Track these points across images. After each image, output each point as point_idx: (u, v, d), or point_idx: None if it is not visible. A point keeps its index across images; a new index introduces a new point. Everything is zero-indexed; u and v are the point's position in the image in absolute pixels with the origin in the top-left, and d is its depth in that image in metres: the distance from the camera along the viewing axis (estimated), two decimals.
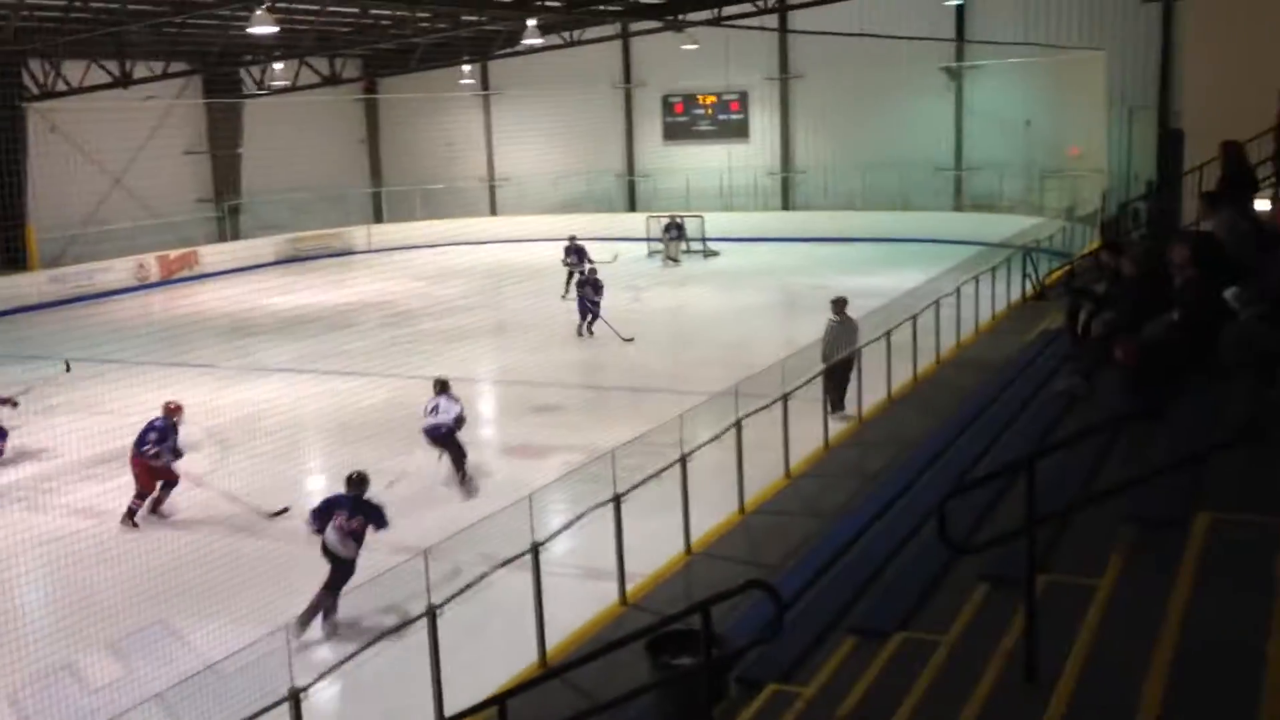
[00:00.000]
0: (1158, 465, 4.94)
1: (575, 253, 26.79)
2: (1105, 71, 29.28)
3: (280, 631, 7.64)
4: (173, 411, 13.90)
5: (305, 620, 9.85)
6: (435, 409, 14.68)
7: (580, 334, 22.41)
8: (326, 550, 10.48)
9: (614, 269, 27.17)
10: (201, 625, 10.51)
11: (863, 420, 13.92)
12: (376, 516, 10.59)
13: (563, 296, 25.89)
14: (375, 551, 11.89)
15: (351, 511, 10.48)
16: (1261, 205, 11.69)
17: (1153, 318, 8.80)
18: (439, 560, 8.70)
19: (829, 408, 14.09)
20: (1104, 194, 27.54)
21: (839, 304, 15.58)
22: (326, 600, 10.19)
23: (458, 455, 14.48)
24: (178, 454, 13.68)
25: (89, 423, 17.71)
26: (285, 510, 13.34)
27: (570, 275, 26.18)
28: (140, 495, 13.57)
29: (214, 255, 34.89)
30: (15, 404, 16.48)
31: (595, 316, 22.35)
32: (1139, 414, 6.83)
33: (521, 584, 8.69)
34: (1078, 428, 8.52)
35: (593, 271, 23.51)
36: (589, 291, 22.74)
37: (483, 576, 8.29)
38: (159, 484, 13.66)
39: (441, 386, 14.97)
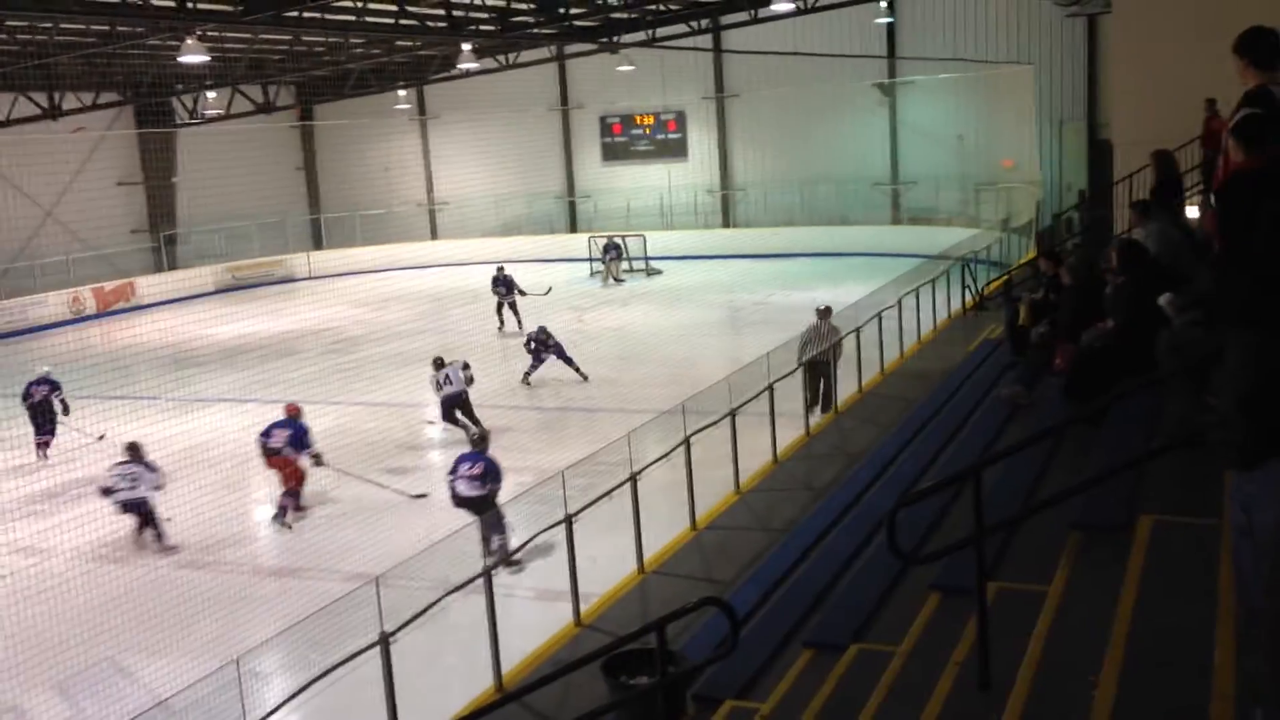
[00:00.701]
0: (1099, 471, 5.06)
1: (503, 283, 26.23)
2: (1034, 85, 29.87)
3: (230, 665, 7.55)
4: (296, 412, 14.94)
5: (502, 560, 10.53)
6: (447, 379, 17.23)
7: (526, 383, 20.71)
8: (458, 498, 12.20)
9: (553, 294, 27.21)
10: (151, 661, 10.36)
11: (810, 434, 14.04)
12: (494, 469, 12.32)
13: (498, 328, 25.79)
14: (327, 579, 11.83)
15: (475, 460, 12.34)
16: (1191, 212, 12.00)
17: (1091, 326, 9.01)
18: (390, 588, 8.65)
19: (808, 404, 15.01)
20: (1038, 204, 28.05)
21: (822, 312, 16.47)
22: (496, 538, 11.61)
23: (473, 415, 16.87)
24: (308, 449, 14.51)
25: (26, 459, 17.41)
26: (425, 495, 14.50)
27: (500, 305, 26.10)
28: (289, 493, 14.29)
29: (151, 286, 34.36)
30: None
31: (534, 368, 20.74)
32: (1079, 420, 6.98)
33: (475, 608, 8.66)
34: (1021, 436, 8.67)
35: (541, 330, 20.92)
36: (541, 349, 20.64)
37: (435, 602, 8.24)
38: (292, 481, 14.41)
39: (440, 362, 17.53)
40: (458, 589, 8.55)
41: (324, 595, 10.59)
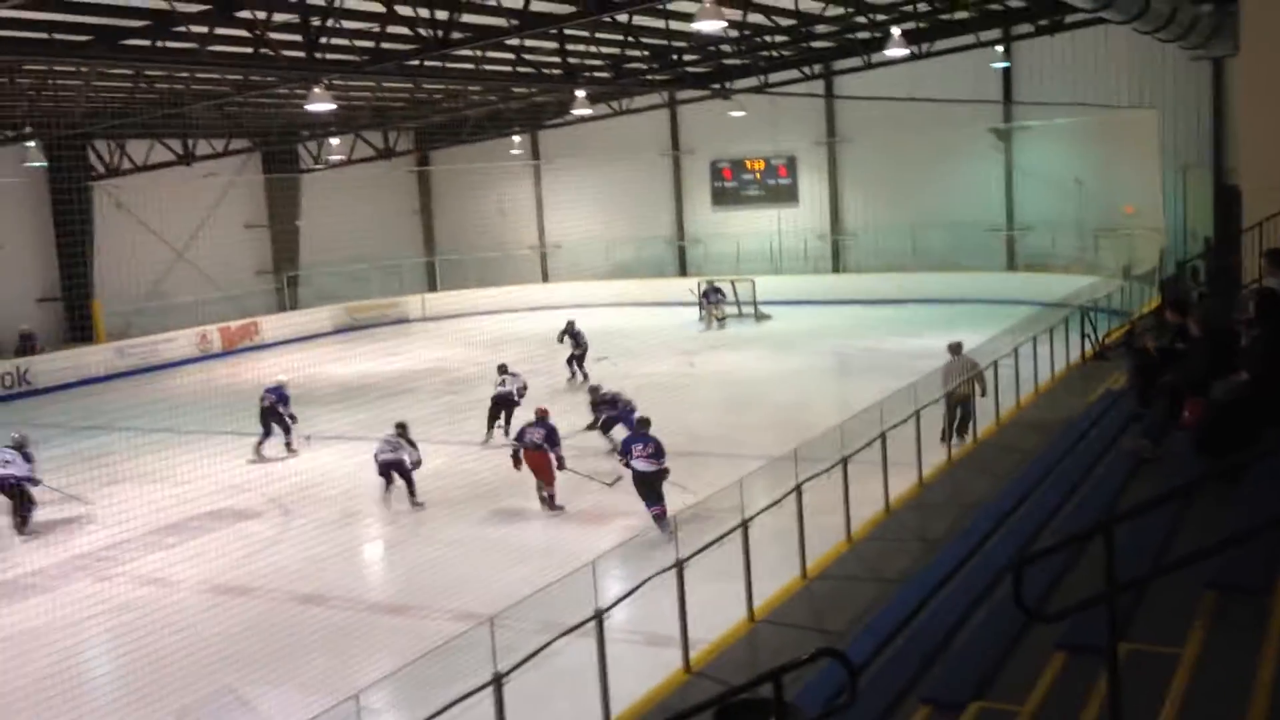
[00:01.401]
0: (1238, 530, 4.87)
1: (571, 335, 26.45)
2: (1157, 129, 29.17)
3: (346, 700, 7.67)
4: (545, 414, 16.85)
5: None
6: (503, 382, 20.41)
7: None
8: (638, 474, 14.58)
9: (663, 339, 27.32)
10: (269, 693, 10.59)
11: (923, 483, 13.80)
12: (661, 446, 14.61)
13: (568, 379, 25.51)
14: (436, 618, 11.97)
15: (645, 442, 14.65)
16: None
17: (1221, 377, 8.71)
18: (501, 628, 8.71)
19: (949, 437, 15.60)
20: (1161, 252, 27.30)
21: (954, 347, 17.54)
22: (654, 508, 14.33)
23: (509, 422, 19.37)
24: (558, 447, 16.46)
25: (155, 492, 18.01)
26: (618, 480, 16.16)
27: (570, 359, 26.01)
28: (549, 486, 16.32)
29: (274, 326, 35.51)
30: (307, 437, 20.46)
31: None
32: (1215, 477, 6.74)
33: (585, 652, 8.67)
34: (1147, 491, 8.41)
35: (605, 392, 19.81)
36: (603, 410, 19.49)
37: (547, 644, 8.27)
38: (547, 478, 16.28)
39: (503, 368, 20.64)
40: (569, 631, 8.57)
41: (434, 633, 10.72)
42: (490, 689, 7.72)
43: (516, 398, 20.27)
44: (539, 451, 16.21)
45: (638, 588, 9.58)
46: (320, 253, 37.30)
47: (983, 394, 16.56)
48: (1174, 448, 9.30)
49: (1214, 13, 23.99)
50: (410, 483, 16.84)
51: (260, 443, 20.27)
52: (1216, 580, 5.32)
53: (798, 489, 11.29)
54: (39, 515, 16.62)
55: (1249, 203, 17.36)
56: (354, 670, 10.73)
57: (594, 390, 20.19)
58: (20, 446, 16.79)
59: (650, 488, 14.50)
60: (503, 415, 20.26)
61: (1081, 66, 31.67)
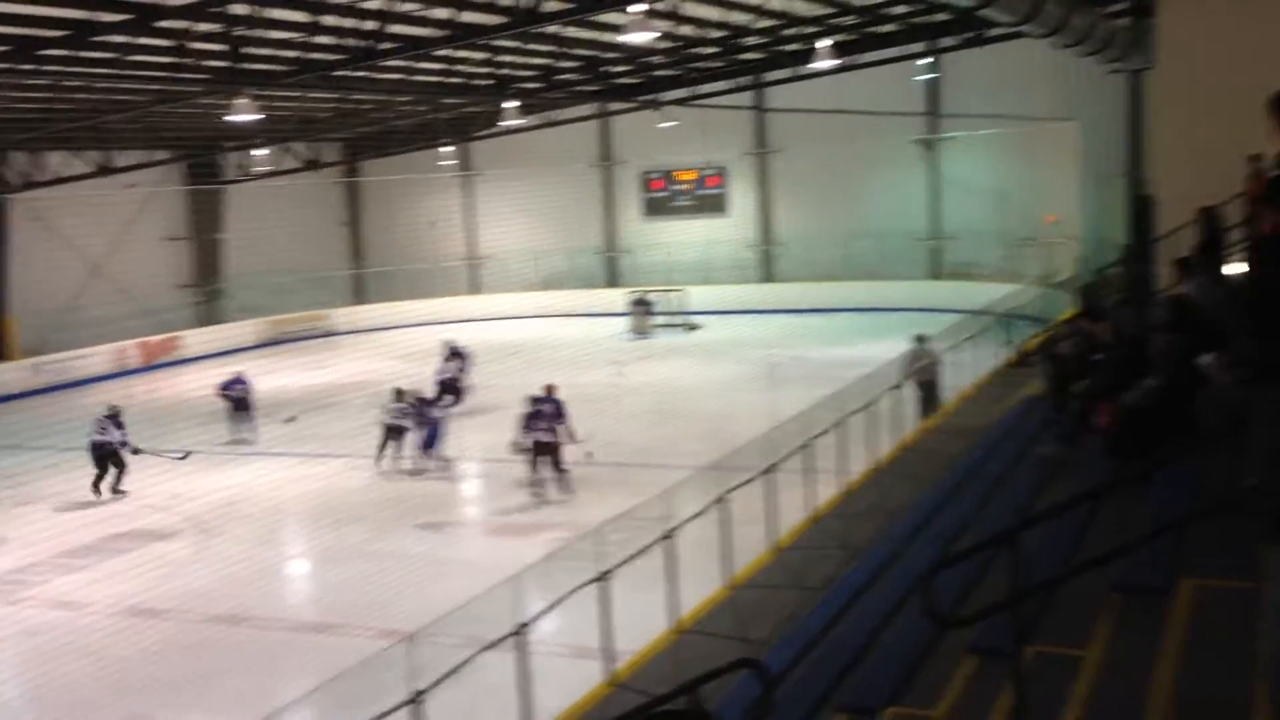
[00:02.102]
0: (1140, 534, 4.93)
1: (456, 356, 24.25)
2: (1077, 141, 29.75)
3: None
4: (553, 389, 18.01)
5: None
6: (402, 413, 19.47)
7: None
8: (539, 444, 16.62)
9: (593, 349, 27.24)
10: (182, 717, 10.34)
11: (848, 491, 13.88)
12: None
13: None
14: (359, 635, 11.79)
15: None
16: (1234, 270, 11.82)
17: (1133, 383, 8.86)
18: (423, 644, 8.59)
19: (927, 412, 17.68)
20: (1079, 260, 27.81)
21: (919, 338, 19.34)
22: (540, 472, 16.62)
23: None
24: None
25: (67, 513, 17.57)
26: (590, 454, 17.57)
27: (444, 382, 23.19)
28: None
29: (195, 340, 34.86)
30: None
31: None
32: (1122, 481, 6.83)
33: (510, 667, 8.57)
34: (1061, 497, 8.51)
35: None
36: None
37: (467, 660, 8.16)
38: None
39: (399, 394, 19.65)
40: (490, 646, 8.47)
41: (356, 651, 10.55)
42: (409, 707, 7.60)
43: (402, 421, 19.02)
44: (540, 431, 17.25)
45: (559, 601, 9.51)
46: (244, 265, 36.74)
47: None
48: (1087, 452, 9.44)
49: (1131, 27, 24.52)
50: (434, 447, 18.73)
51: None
52: (1121, 582, 5.38)
53: (722, 498, 11.29)
54: None
55: (1163, 212, 17.77)
56: (272, 692, 10.53)
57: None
58: (114, 415, 18.82)
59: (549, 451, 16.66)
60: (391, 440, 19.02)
61: (1004, 79, 32.18)
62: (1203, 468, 6.74)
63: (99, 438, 18.39)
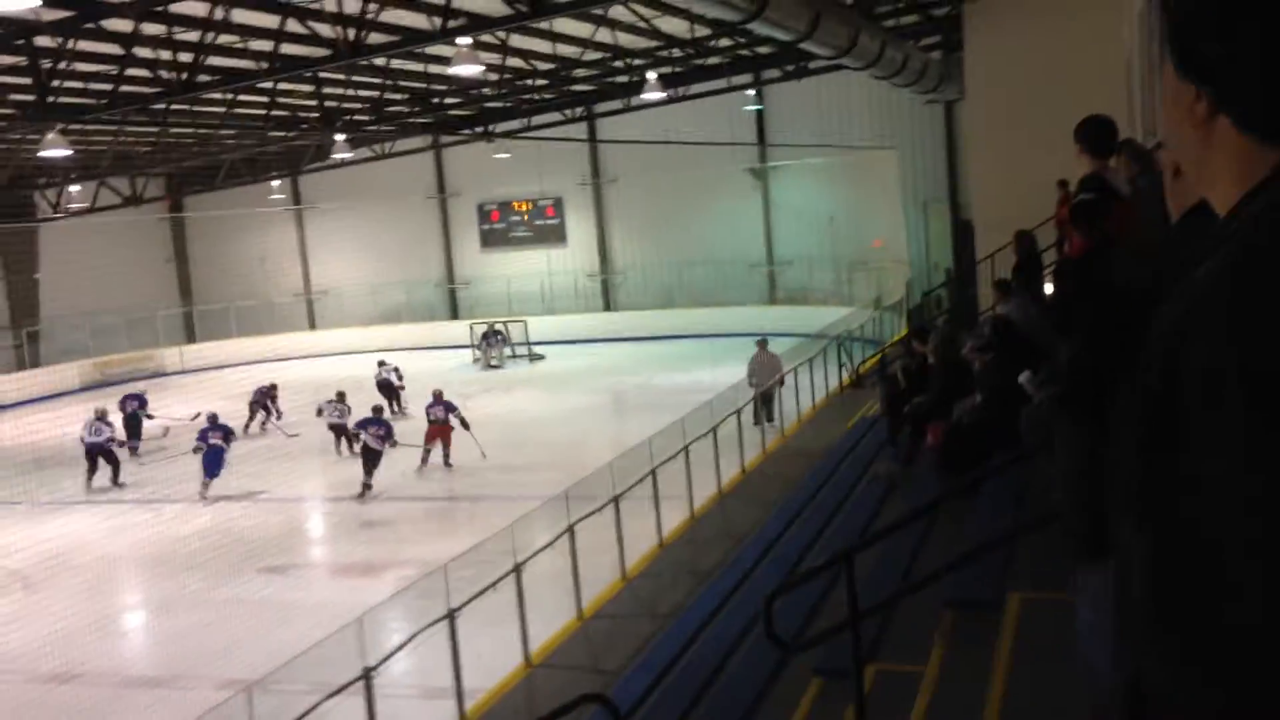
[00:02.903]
0: (970, 549, 5.18)
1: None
2: (898, 168, 30.98)
3: None
4: (441, 393, 21.03)
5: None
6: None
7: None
8: (366, 449, 19.00)
9: (439, 381, 26.93)
10: None
11: (694, 516, 14.08)
12: (388, 430, 19.20)
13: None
14: (200, 687, 11.36)
15: (378, 425, 19.14)
16: (1050, 290, 12.50)
17: (959, 402, 9.28)
18: (268, 693, 8.36)
19: (760, 420, 18.42)
20: (908, 283, 28.91)
21: (761, 343, 20.89)
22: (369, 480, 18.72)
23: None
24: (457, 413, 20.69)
25: None
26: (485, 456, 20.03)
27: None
28: (446, 449, 20.42)
29: (11, 385, 33.05)
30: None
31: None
32: (949, 497, 7.15)
33: (358, 712, 8.40)
34: (898, 512, 8.83)
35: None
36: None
37: (313, 709, 7.98)
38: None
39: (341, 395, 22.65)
40: (337, 691, 8.30)
41: (198, 704, 10.16)
42: None
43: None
44: (441, 424, 20.46)
45: (407, 642, 9.39)
46: (63, 305, 35.05)
47: (781, 384, 19.61)
48: (921, 470, 9.84)
49: (942, 60, 25.73)
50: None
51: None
52: (954, 598, 5.63)
53: (570, 530, 11.32)
54: None
55: (980, 236, 18.66)
56: None
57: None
58: (103, 416, 21.45)
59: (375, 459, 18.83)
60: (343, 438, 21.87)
61: (828, 109, 33.33)
62: (1025, 482, 7.11)
63: (91, 439, 21.06)
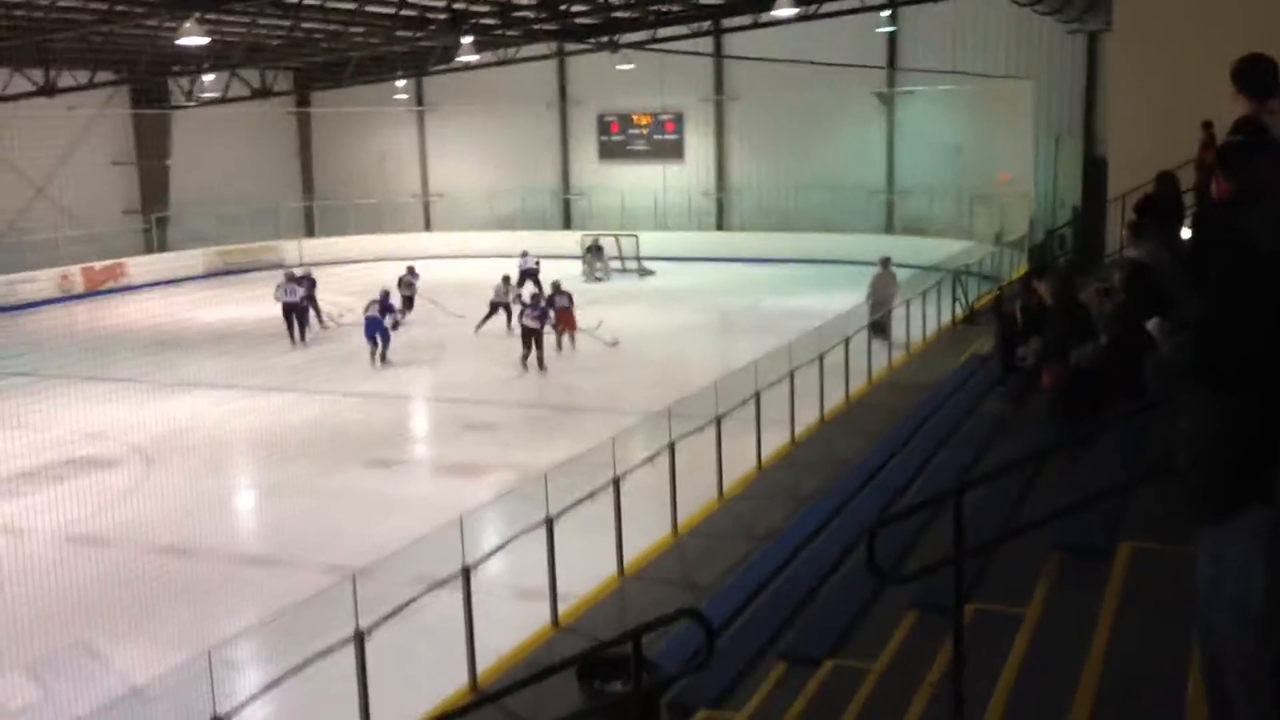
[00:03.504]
0: (1083, 495, 5.03)
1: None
2: (1032, 100, 29.87)
3: (204, 656, 7.49)
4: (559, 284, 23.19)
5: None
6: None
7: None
8: (525, 328, 21.16)
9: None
10: (124, 646, 10.29)
11: (795, 441, 14.01)
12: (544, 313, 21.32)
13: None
14: (305, 571, 11.76)
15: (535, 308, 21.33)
16: (1187, 235, 11.96)
17: (1080, 345, 8.99)
18: (370, 581, 8.60)
19: (876, 336, 18.39)
20: (1031, 219, 28.06)
21: (884, 261, 21.63)
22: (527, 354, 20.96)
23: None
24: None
25: (10, 438, 17.29)
26: (616, 343, 22.78)
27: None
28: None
29: (141, 267, 34.27)
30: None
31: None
32: (1065, 443, 6.96)
33: (456, 606, 8.61)
34: (1006, 453, 8.66)
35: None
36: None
37: (412, 600, 8.19)
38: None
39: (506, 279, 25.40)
40: (436, 586, 8.50)
41: (301, 587, 10.51)
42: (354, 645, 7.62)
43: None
44: (568, 310, 22.59)
45: (506, 543, 9.56)
46: (192, 193, 36.03)
47: (899, 303, 20.05)
48: (1034, 412, 9.60)
49: None
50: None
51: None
52: (1062, 542, 5.50)
53: (670, 446, 11.36)
54: None
55: (1115, 174, 17.96)
56: (215, 624, 10.49)
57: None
58: (292, 278, 24.44)
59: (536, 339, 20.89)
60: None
61: (963, 36, 32.23)
62: (1145, 431, 6.88)
63: (287, 299, 23.69)
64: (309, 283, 25.52)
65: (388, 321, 22.17)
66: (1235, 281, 2.36)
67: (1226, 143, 4.95)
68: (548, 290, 23.45)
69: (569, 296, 22.84)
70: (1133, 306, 8.34)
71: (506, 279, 25.42)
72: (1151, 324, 7.37)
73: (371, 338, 21.99)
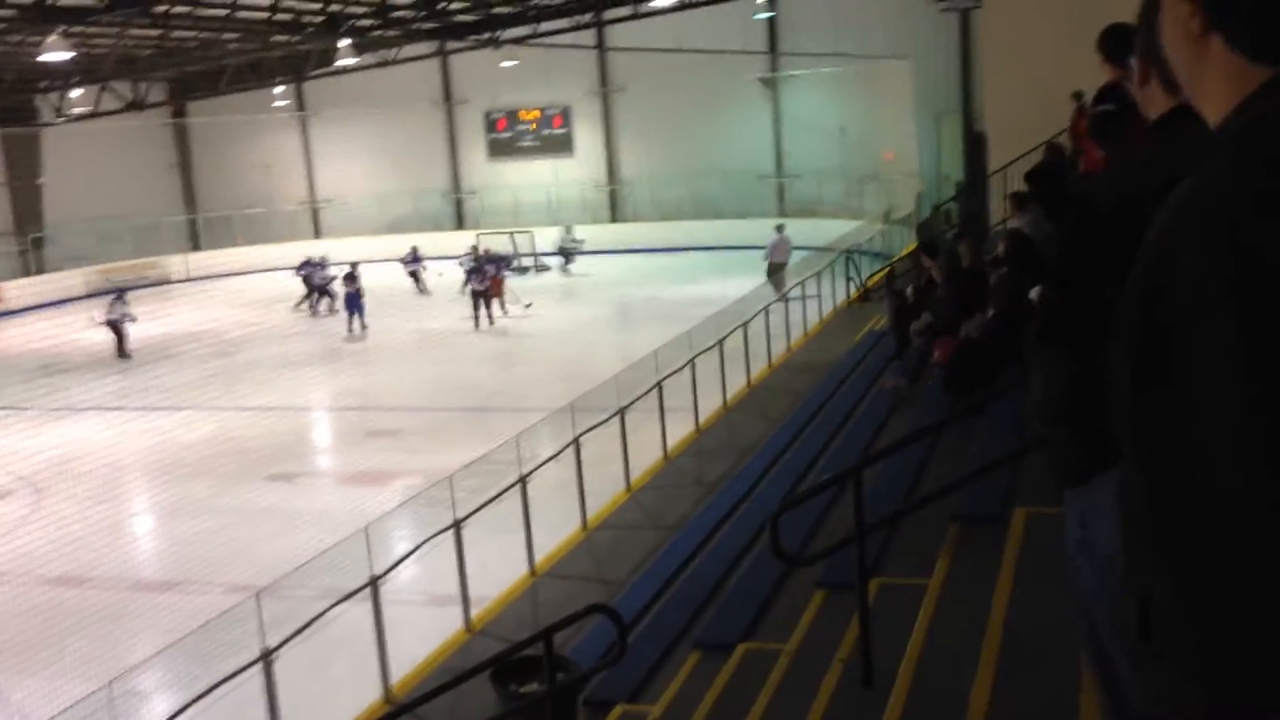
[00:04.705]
0: (977, 466, 5.15)
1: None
2: (911, 78, 30.42)
3: (104, 687, 7.28)
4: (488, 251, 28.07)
5: None
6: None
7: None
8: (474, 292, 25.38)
9: (451, 289, 26.94)
10: (20, 681, 9.96)
11: (700, 429, 14.10)
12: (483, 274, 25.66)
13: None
14: (209, 592, 11.49)
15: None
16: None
17: (969, 317, 9.19)
18: (276, 599, 8.44)
19: (776, 290, 20.27)
20: (918, 196, 28.60)
21: (779, 227, 25.62)
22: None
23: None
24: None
25: None
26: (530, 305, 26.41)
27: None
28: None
29: (19, 291, 33.09)
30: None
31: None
32: (957, 417, 7.11)
33: (365, 618, 8.49)
34: (904, 428, 8.82)
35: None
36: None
37: (320, 615, 8.06)
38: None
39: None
40: (345, 599, 8.38)
41: (205, 609, 10.27)
42: (262, 664, 7.47)
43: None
44: (498, 278, 26.00)
45: (414, 550, 9.47)
46: (68, 211, 34.89)
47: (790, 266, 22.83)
48: (929, 386, 9.79)
49: None
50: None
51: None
52: (959, 512, 5.62)
53: (576, 441, 11.35)
54: None
55: (995, 148, 18.38)
56: (120, 652, 10.21)
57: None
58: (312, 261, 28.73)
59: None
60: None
61: (843, 18, 32.63)
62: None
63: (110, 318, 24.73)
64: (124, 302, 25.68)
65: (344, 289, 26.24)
66: (1079, 241, 2.42)
67: (1098, 113, 5.09)
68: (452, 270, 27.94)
69: (498, 265, 26.54)
70: (1016, 277, 8.56)
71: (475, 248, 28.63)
72: (1033, 293, 7.58)
73: (352, 311, 25.73)
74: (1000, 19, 19.02)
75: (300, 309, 28.91)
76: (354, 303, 25.94)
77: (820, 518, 7.48)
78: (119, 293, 25.68)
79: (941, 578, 5.00)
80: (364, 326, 25.83)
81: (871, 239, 25.32)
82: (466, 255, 28.14)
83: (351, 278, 26.19)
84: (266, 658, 7.29)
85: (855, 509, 4.04)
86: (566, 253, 33.47)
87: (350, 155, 39.95)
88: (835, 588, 5.77)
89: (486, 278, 25.83)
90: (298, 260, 29.75)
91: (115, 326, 24.53)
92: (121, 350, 24.54)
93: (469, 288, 26.42)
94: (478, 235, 31.98)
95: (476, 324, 25.32)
